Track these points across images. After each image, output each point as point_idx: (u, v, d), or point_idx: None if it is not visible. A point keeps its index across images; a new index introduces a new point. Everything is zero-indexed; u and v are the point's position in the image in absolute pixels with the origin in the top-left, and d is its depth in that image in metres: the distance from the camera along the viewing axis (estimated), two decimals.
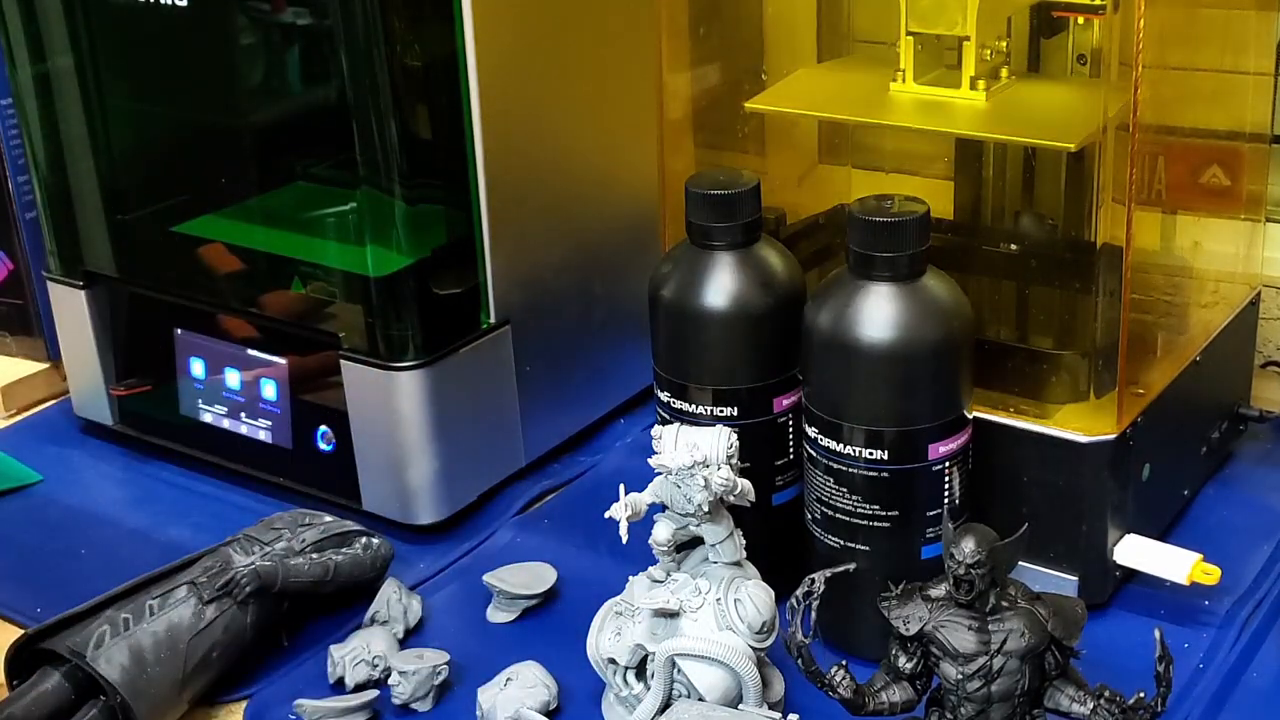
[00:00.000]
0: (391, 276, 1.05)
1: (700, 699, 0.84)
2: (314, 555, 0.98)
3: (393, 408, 1.06)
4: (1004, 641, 0.75)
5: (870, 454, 0.88)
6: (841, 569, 0.81)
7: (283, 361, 1.15)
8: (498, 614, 1.01)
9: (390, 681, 0.91)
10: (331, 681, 0.94)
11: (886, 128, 1.05)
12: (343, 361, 1.08)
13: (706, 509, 0.84)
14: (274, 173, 1.13)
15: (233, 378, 1.18)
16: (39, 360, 1.37)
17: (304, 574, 0.96)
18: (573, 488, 1.16)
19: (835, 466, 0.89)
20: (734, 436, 0.85)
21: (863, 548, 0.90)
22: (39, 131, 1.21)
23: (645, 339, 0.97)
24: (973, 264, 1.02)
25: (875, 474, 0.88)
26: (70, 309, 1.25)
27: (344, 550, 1.00)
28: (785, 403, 0.94)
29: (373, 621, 0.98)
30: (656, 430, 0.86)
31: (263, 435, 1.17)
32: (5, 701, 0.88)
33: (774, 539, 0.96)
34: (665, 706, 0.84)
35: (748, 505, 0.87)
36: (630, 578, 0.90)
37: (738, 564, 0.88)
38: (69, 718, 0.88)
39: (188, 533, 1.12)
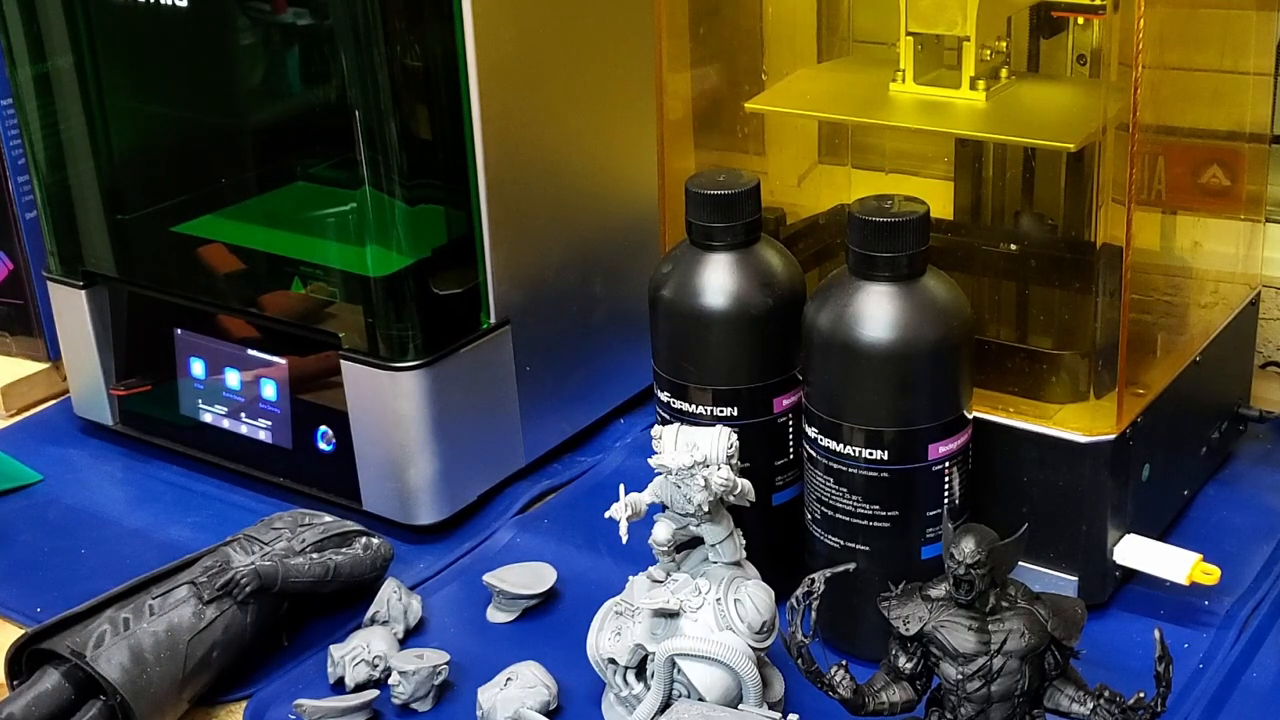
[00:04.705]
0: (391, 276, 1.05)
1: (700, 699, 0.84)
2: (314, 555, 0.98)
3: (393, 408, 1.06)
4: (1004, 641, 0.75)
5: (870, 454, 0.88)
6: (841, 569, 0.81)
7: (283, 361, 1.15)
8: (498, 614, 1.01)
9: (390, 681, 0.91)
10: (331, 681, 0.94)
11: (886, 128, 1.05)
12: (343, 361, 1.08)
13: (706, 509, 0.84)
14: (274, 173, 1.13)
15: (233, 378, 1.18)
16: (39, 360, 1.37)
17: (304, 574, 0.96)
18: (573, 488, 1.16)
19: (835, 466, 0.89)
20: (734, 436, 0.85)
21: (863, 548, 0.90)
22: (39, 131, 1.22)
23: (645, 339, 0.97)
24: (973, 264, 1.03)
25: (875, 474, 0.88)
26: (70, 309, 1.25)
27: (344, 550, 1.00)
28: (785, 403, 0.94)
29: (373, 621, 0.98)
30: (656, 430, 0.86)
31: (263, 435, 1.17)
32: (5, 701, 0.88)
33: (774, 539, 0.96)
34: (665, 706, 0.84)
35: (748, 505, 0.87)
36: (630, 578, 0.90)
37: (738, 564, 0.88)
38: (69, 718, 0.88)
39: (188, 533, 1.12)
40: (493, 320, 1.10)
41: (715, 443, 0.84)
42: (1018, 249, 1.03)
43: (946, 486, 0.89)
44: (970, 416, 0.90)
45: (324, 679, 0.95)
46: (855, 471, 0.88)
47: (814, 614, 0.78)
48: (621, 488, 0.86)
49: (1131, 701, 0.76)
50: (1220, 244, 1.07)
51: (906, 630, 0.77)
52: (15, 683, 0.91)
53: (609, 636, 0.88)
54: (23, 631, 0.93)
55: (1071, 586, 0.94)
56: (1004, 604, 0.77)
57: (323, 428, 1.13)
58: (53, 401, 1.35)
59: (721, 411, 0.94)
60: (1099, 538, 0.94)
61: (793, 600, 0.78)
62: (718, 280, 0.92)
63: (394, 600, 0.98)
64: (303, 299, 1.12)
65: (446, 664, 0.92)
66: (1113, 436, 0.92)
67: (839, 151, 1.13)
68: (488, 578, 1.01)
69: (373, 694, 0.91)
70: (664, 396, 0.96)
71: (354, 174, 1.03)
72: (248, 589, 0.94)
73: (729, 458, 0.84)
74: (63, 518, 1.16)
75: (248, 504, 1.15)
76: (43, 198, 1.24)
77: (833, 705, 0.78)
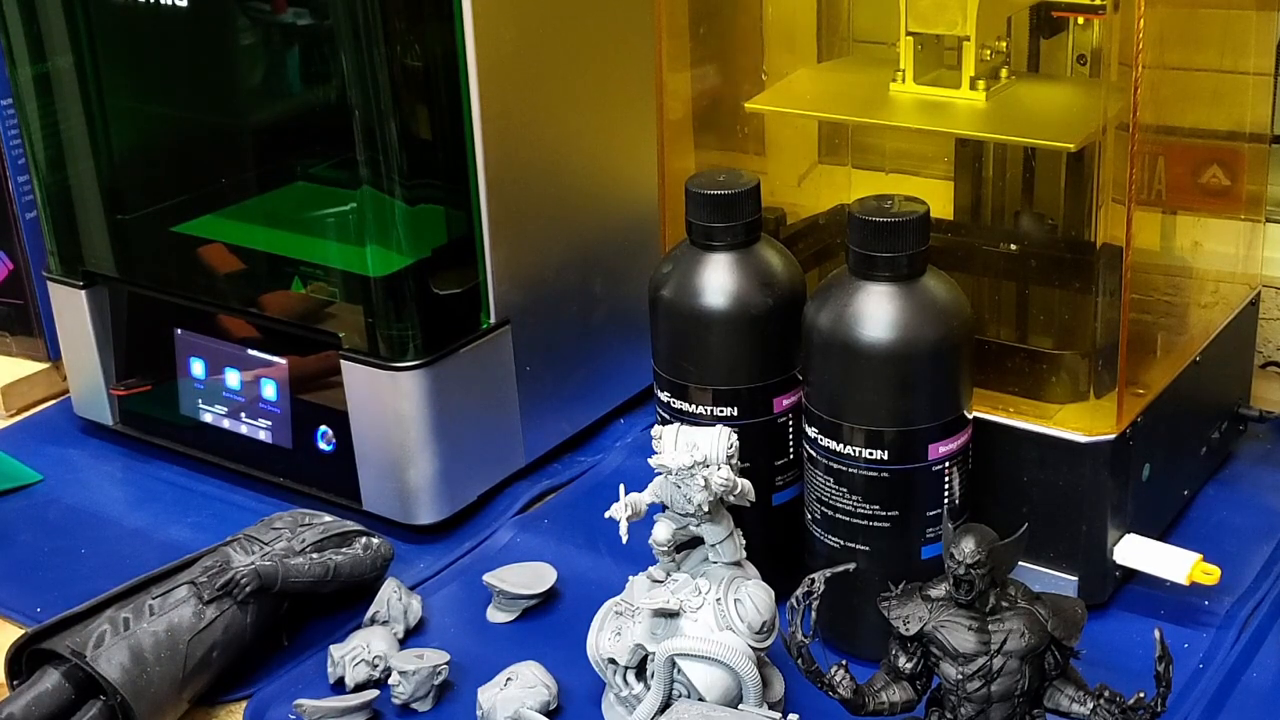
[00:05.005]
0: (391, 276, 1.05)
1: (700, 699, 0.84)
2: (314, 555, 0.98)
3: (393, 408, 1.06)
4: (1004, 641, 0.75)
5: (870, 454, 0.88)
6: (841, 569, 0.81)
7: (283, 361, 1.15)
8: (498, 614, 1.01)
9: (390, 681, 0.91)
10: (331, 681, 0.94)
11: (886, 128, 1.05)
12: (343, 361, 1.08)
13: (706, 509, 0.84)
14: (274, 173, 1.13)
15: (233, 378, 1.18)
16: (39, 360, 1.37)
17: (304, 574, 0.96)
18: (573, 488, 1.16)
19: (835, 466, 0.89)
20: (734, 436, 0.85)
21: (863, 548, 0.90)
22: (39, 131, 1.22)
23: (645, 339, 0.97)
24: (973, 264, 1.03)
25: (875, 474, 0.88)
26: (70, 309, 1.25)
27: (344, 550, 1.00)
28: (785, 403, 0.94)
29: (373, 621, 0.98)
30: (656, 430, 0.86)
31: (263, 435, 1.17)
32: (5, 701, 0.88)
33: (774, 539, 0.96)
34: (665, 706, 0.84)
35: (748, 505, 0.87)
36: (630, 578, 0.90)
37: (738, 564, 0.88)
38: (69, 718, 0.88)
39: (188, 533, 1.12)
40: (493, 320, 1.10)
41: (715, 443, 0.84)
42: (1018, 249, 1.03)
43: (946, 486, 0.89)
44: (970, 416, 0.90)
45: (324, 679, 0.95)
46: (855, 471, 0.88)
47: (814, 614, 0.78)
48: (621, 488, 0.86)
49: (1131, 701, 0.76)
50: (1220, 244, 1.07)
51: (906, 630, 0.77)
52: (15, 683, 0.91)
53: (609, 636, 0.88)
54: (23, 631, 0.93)
55: (1071, 586, 0.94)
56: (1004, 604, 0.77)
57: (323, 428, 1.13)
58: (53, 401, 1.35)
59: (721, 411, 0.94)
60: (1099, 538, 0.94)
61: (793, 600, 0.78)
62: (718, 280, 0.92)
63: (394, 600, 0.98)
64: (303, 299, 1.12)
65: (446, 664, 0.92)
66: (1113, 436, 0.92)
67: (839, 151, 1.13)
68: (488, 578, 1.01)
69: (373, 694, 0.91)
70: (664, 396, 0.96)
71: (354, 174, 1.03)
72: (248, 589, 0.94)
73: (729, 458, 0.84)
74: (63, 518, 1.16)
75: (248, 504, 1.15)
76: (43, 198, 1.24)
77: (833, 705, 0.78)
